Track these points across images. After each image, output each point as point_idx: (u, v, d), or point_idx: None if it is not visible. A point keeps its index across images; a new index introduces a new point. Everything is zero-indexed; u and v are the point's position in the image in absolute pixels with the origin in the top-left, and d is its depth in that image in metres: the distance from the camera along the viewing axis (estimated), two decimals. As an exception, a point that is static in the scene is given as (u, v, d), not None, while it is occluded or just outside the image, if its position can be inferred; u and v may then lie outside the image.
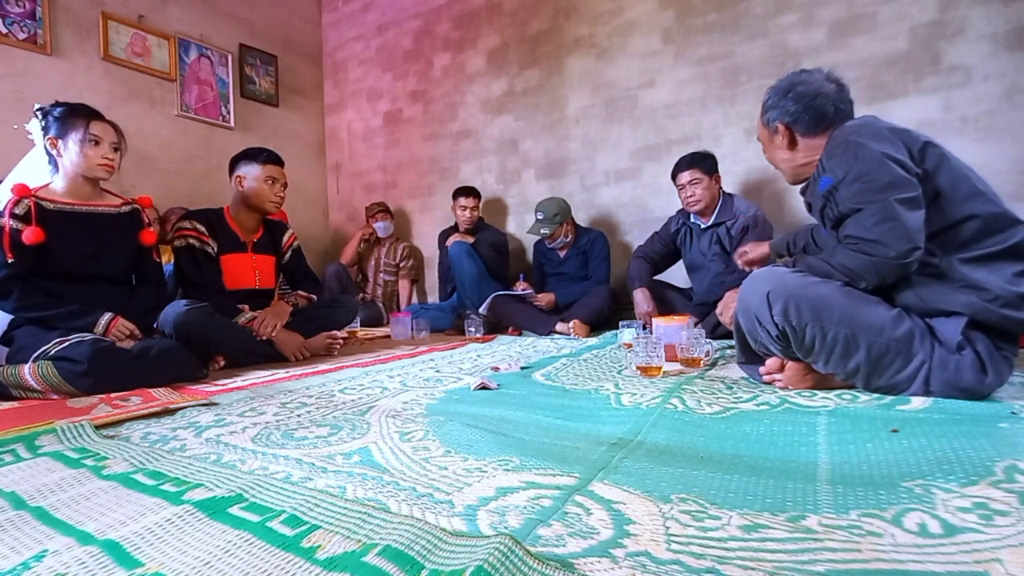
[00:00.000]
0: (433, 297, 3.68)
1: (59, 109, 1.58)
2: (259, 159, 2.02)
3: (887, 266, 1.06)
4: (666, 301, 2.41)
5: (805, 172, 1.29)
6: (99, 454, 0.86)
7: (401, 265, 3.59)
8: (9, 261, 1.47)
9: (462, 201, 3.10)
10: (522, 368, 1.63)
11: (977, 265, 1.04)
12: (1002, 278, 1.02)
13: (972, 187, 1.07)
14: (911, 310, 1.10)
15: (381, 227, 3.53)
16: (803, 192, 1.32)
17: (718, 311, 1.51)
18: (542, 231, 2.70)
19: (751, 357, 1.28)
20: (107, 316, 1.57)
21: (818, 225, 1.49)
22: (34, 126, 1.58)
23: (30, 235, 1.48)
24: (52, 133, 1.57)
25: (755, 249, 1.66)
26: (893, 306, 1.10)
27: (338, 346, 2.14)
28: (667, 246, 2.51)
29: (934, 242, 1.07)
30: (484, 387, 1.34)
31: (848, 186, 1.10)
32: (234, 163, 2.06)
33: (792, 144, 1.28)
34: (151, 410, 1.16)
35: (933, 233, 1.07)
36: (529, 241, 3.29)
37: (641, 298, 2.37)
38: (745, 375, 1.35)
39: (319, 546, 0.52)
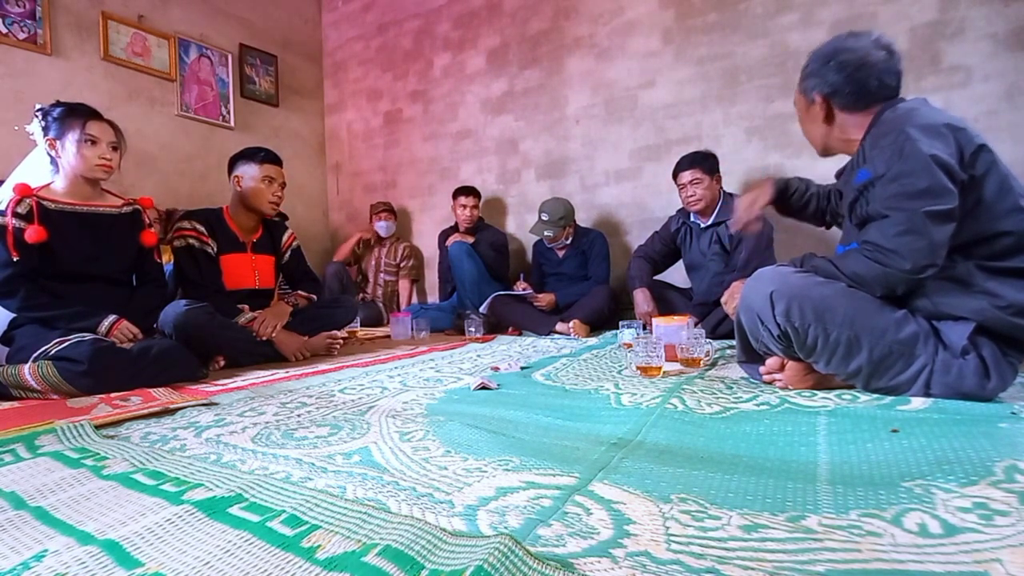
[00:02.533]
0: (433, 297, 3.68)
1: (58, 110, 1.58)
2: (257, 158, 2.02)
3: (898, 279, 1.04)
4: (666, 301, 2.41)
5: (839, 148, 1.24)
6: (99, 454, 0.86)
7: (402, 265, 3.58)
8: (15, 260, 1.47)
9: (462, 200, 3.10)
10: (522, 368, 1.63)
11: (995, 275, 1.02)
12: (1016, 289, 1.00)
13: (1014, 202, 1.01)
14: (919, 312, 1.08)
15: (383, 226, 3.53)
16: (838, 176, 1.27)
17: (723, 299, 1.48)
18: (545, 233, 2.70)
19: (752, 356, 1.28)
20: (110, 319, 1.57)
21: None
22: (35, 127, 1.59)
23: (32, 234, 1.48)
24: (51, 134, 1.57)
25: (755, 193, 1.44)
26: (900, 307, 1.09)
27: (338, 346, 2.14)
28: (667, 246, 2.50)
29: (959, 251, 1.04)
30: (484, 387, 1.34)
31: (884, 185, 1.05)
32: (233, 163, 2.06)
33: (829, 118, 1.21)
34: (151, 410, 1.16)
35: (962, 243, 1.03)
36: (529, 241, 3.29)
37: (641, 298, 2.37)
38: (745, 375, 1.35)
39: (319, 546, 0.52)
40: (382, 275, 3.56)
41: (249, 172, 2.02)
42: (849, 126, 1.19)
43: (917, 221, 1.00)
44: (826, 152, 1.28)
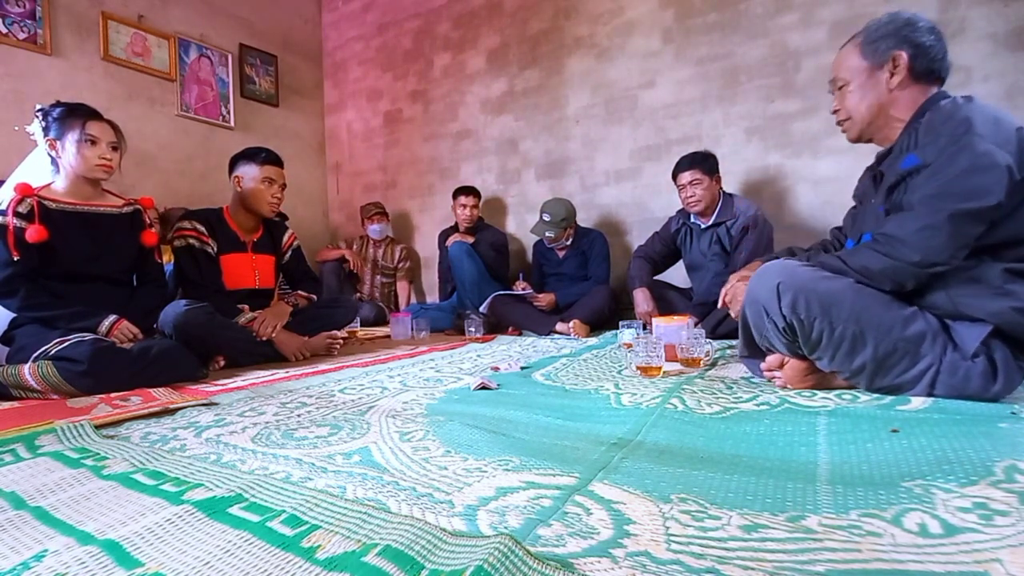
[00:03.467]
0: (433, 297, 3.68)
1: (58, 110, 1.58)
2: (257, 159, 2.02)
3: (906, 272, 1.03)
4: (666, 301, 2.41)
5: (879, 128, 1.20)
6: (99, 454, 0.86)
7: (399, 267, 3.59)
8: (15, 259, 1.47)
9: (462, 200, 3.10)
10: (522, 368, 1.63)
11: (1020, 277, 1.00)
12: None
13: None
14: (934, 310, 1.06)
15: (376, 229, 3.50)
16: (880, 158, 1.23)
17: (723, 294, 1.45)
18: (546, 233, 2.70)
19: (754, 351, 1.27)
20: (111, 318, 1.57)
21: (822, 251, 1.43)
22: (35, 127, 1.59)
23: (33, 233, 1.48)
24: (51, 134, 1.57)
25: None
26: (913, 303, 1.07)
27: (338, 346, 2.14)
28: (667, 246, 2.51)
29: (989, 251, 1.02)
30: (484, 387, 1.34)
31: (928, 176, 1.02)
32: (233, 163, 2.06)
33: (903, 83, 1.13)
34: (151, 410, 1.16)
35: (993, 244, 1.02)
36: (529, 241, 3.29)
37: (641, 298, 2.37)
38: (745, 374, 1.34)
39: (319, 546, 0.52)
40: (379, 277, 3.56)
41: (249, 173, 2.02)
42: (903, 101, 1.15)
43: (940, 219, 0.99)
44: (861, 135, 1.23)
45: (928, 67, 1.13)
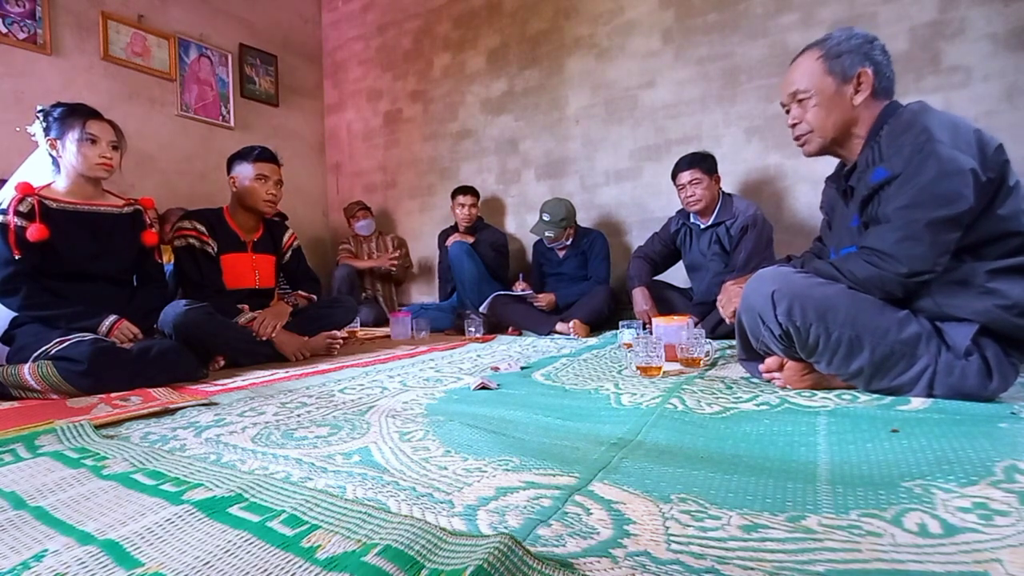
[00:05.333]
0: (433, 297, 3.68)
1: (59, 110, 1.58)
2: (250, 157, 2.02)
3: (894, 282, 1.04)
4: (666, 301, 2.41)
5: (840, 144, 1.20)
6: (99, 454, 0.86)
7: (397, 256, 3.62)
8: (16, 258, 1.47)
9: (461, 199, 3.10)
10: (522, 368, 1.63)
11: (1001, 275, 1.01)
12: (1022, 288, 0.99)
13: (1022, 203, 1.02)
14: (922, 312, 1.07)
15: (364, 225, 3.58)
16: (846, 175, 1.22)
17: (719, 302, 1.47)
18: (546, 233, 2.70)
19: (752, 354, 1.27)
20: (111, 318, 1.57)
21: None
22: (36, 127, 1.59)
23: (34, 232, 1.48)
24: (52, 134, 1.57)
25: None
26: (902, 307, 1.08)
27: (338, 346, 2.14)
28: (667, 246, 2.51)
29: (967, 251, 1.04)
30: (484, 387, 1.34)
31: (900, 186, 1.03)
32: (230, 163, 2.06)
33: (867, 101, 1.14)
34: (151, 410, 1.16)
35: (971, 244, 1.03)
36: (529, 241, 3.29)
37: (640, 297, 2.37)
38: (745, 374, 1.35)
39: (319, 546, 0.52)
40: (377, 269, 3.58)
41: (244, 172, 2.02)
42: (864, 117, 1.16)
43: (918, 228, 1.00)
44: (822, 150, 1.23)
45: (886, 85, 1.16)
